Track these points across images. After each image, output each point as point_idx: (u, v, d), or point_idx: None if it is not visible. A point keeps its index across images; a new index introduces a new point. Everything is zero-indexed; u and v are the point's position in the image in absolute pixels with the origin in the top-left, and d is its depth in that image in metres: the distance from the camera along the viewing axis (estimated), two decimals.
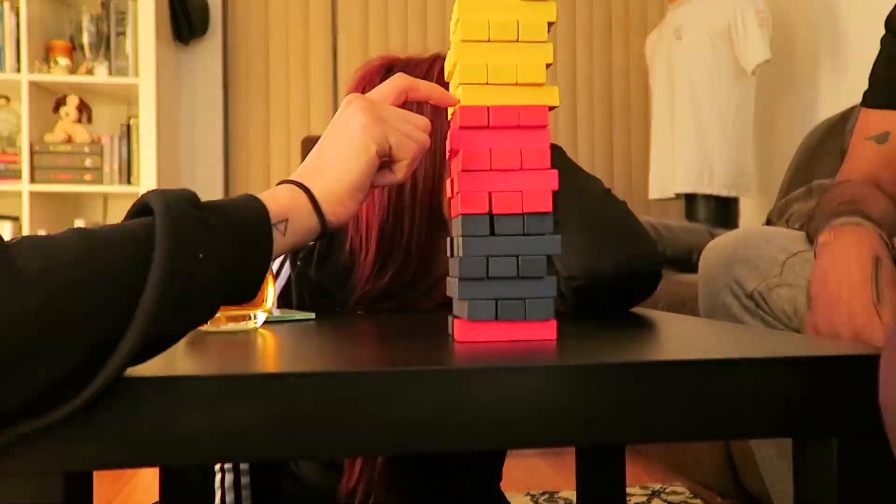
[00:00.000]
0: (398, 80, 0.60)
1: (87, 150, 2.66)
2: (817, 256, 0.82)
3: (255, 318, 0.70)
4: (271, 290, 0.72)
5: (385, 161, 0.58)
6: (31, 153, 2.61)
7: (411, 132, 0.57)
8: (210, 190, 3.03)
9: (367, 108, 0.56)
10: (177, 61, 2.99)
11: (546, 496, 1.85)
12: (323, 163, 0.56)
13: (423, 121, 0.59)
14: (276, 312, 0.82)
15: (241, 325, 0.69)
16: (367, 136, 0.55)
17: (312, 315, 0.84)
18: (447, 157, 0.61)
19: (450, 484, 1.03)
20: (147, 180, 2.65)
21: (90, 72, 2.69)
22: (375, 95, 0.59)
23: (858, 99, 1.06)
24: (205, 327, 0.68)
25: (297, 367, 0.47)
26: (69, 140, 2.67)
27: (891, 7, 1.02)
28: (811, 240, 0.92)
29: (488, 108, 0.56)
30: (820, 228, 0.85)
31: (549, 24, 0.56)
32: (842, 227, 0.82)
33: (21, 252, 0.38)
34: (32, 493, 0.41)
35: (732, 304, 1.00)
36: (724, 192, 2.61)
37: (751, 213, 2.90)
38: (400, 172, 0.58)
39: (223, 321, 0.68)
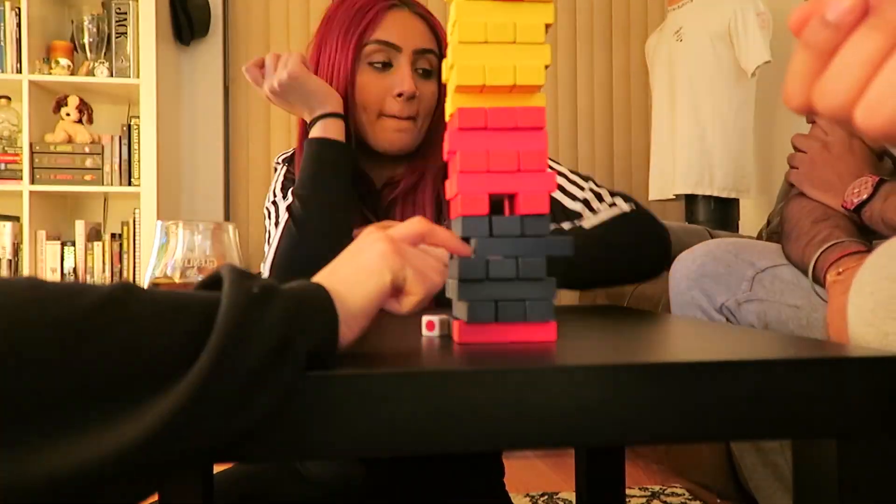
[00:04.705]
0: (418, 225, 0.57)
1: (87, 150, 2.67)
2: (830, 293, 0.86)
3: None
4: None
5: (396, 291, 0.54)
6: (32, 153, 2.62)
7: (428, 270, 0.55)
8: (210, 190, 3.04)
9: (388, 239, 0.54)
10: (177, 62, 2.99)
11: (546, 497, 1.84)
12: (337, 283, 0.51)
13: (442, 262, 0.57)
14: None
15: None
16: (384, 264, 0.52)
17: None
18: (444, 157, 0.61)
19: (454, 481, 1.04)
20: (147, 181, 2.65)
21: (91, 72, 2.69)
22: (394, 234, 0.56)
23: None
24: None
25: None
26: (70, 140, 2.67)
27: None
28: (799, 265, 0.97)
29: (486, 109, 0.56)
30: (815, 259, 0.92)
31: (547, 26, 0.56)
32: (847, 259, 0.87)
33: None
34: None
35: (701, 317, 1.01)
36: (724, 194, 2.62)
37: (751, 215, 2.90)
38: (406, 306, 0.54)
39: None
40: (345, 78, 1.04)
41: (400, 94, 1.03)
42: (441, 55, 1.08)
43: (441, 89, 1.08)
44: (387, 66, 1.04)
